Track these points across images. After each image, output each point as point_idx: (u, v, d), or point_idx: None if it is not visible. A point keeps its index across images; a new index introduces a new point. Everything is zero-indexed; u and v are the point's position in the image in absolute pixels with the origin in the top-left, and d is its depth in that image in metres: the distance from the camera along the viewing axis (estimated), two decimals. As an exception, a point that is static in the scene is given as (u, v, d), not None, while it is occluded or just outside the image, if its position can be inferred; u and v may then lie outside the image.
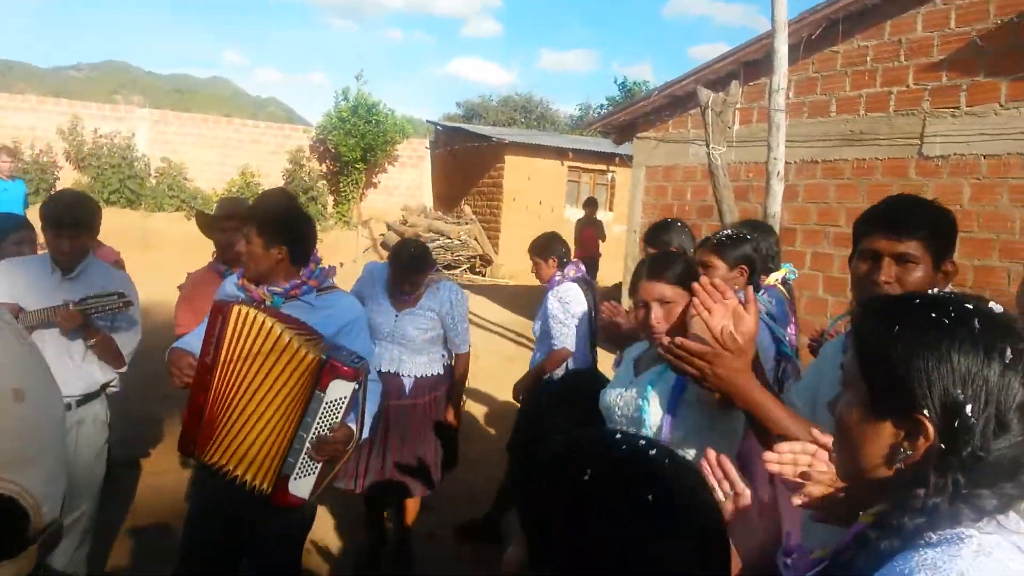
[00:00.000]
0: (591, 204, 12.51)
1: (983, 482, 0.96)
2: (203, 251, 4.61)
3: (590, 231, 11.82)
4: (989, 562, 0.92)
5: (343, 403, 2.43)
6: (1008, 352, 0.98)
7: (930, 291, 1.10)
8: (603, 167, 18.11)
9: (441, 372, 3.90)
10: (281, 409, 2.45)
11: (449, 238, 16.88)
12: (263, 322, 2.46)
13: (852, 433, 1.10)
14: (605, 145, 14.62)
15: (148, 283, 5.10)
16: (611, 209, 17.88)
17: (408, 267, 3.68)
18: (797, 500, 1.31)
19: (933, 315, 1.02)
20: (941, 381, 0.98)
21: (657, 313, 2.10)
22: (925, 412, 0.99)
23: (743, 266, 3.09)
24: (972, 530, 0.95)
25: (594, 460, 0.90)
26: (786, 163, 5.71)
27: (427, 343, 3.82)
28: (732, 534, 1.35)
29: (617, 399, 2.25)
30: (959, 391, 0.97)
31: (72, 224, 3.04)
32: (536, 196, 17.55)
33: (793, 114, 7.27)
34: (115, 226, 16.52)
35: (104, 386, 3.22)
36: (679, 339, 1.69)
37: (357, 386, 2.44)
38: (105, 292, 3.00)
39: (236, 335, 2.48)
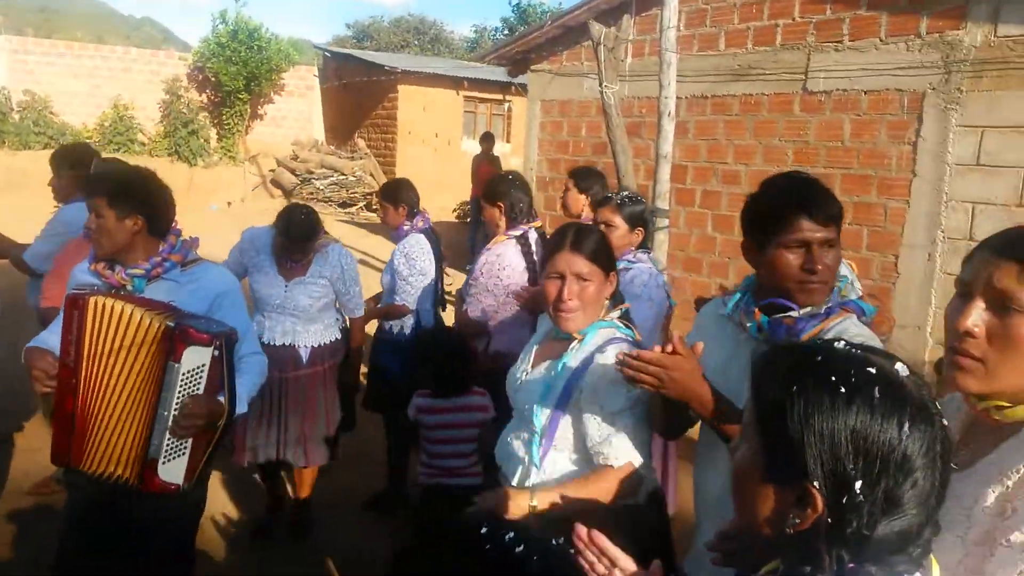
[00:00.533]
0: (488, 139, 12.32)
1: (870, 557, 0.93)
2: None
3: (487, 167, 11.66)
4: None
5: (202, 372, 2.27)
6: (906, 426, 0.93)
7: (837, 343, 1.04)
8: (499, 97, 17.83)
9: (338, 337, 3.77)
10: (138, 390, 2.29)
11: (343, 174, 16.37)
12: (122, 311, 2.27)
13: (745, 488, 1.06)
14: (501, 74, 14.34)
15: (13, 228, 4.69)
16: (508, 141, 17.70)
17: (299, 238, 3.48)
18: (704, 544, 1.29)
19: (833, 378, 0.96)
20: (833, 452, 0.93)
21: (572, 288, 2.03)
22: (815, 483, 0.94)
23: (640, 227, 3.14)
24: None
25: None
26: (677, 99, 5.69)
27: (320, 311, 3.66)
28: None
29: (516, 388, 2.20)
30: (850, 465, 0.93)
31: None
32: (432, 128, 17.16)
33: (684, 47, 7.23)
34: (-27, 168, 15.26)
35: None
36: (634, 350, 1.71)
37: (216, 352, 2.27)
38: None
39: (96, 331, 2.28)
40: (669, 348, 1.67)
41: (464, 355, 3.40)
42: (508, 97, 17.65)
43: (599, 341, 2.02)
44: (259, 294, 3.58)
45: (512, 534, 0.82)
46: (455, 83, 17.34)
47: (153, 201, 2.49)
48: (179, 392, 2.25)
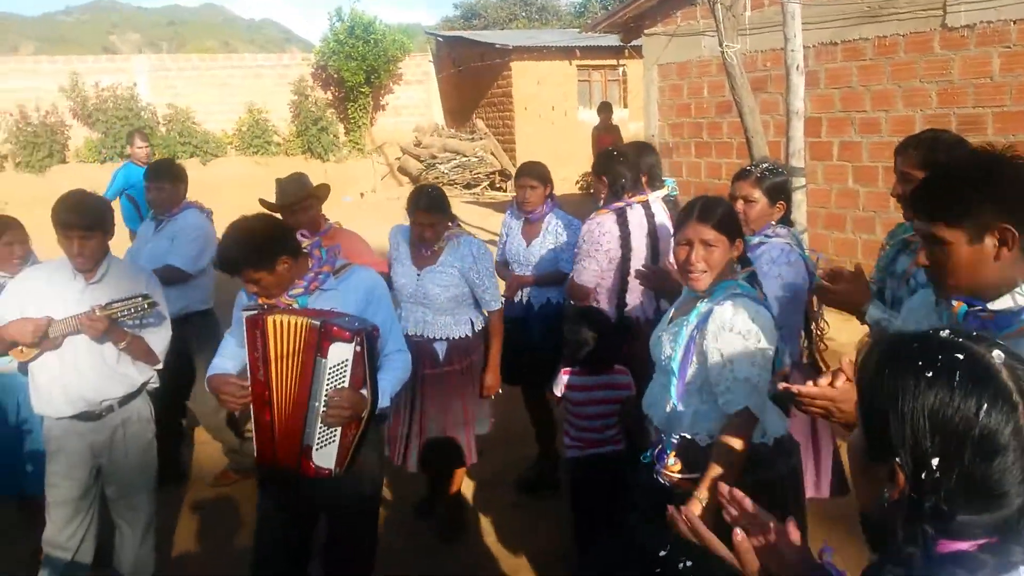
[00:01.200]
0: (606, 109, 12.19)
1: (965, 536, 0.97)
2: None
3: (607, 138, 11.54)
4: None
5: (346, 367, 2.47)
6: (985, 406, 0.97)
7: (943, 332, 1.09)
8: (613, 62, 17.55)
9: (470, 334, 3.79)
10: (299, 386, 2.52)
11: (465, 156, 16.64)
12: (294, 323, 2.49)
13: (856, 467, 1.15)
14: (612, 39, 14.11)
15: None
16: (625, 106, 17.42)
17: (428, 209, 3.58)
18: None
19: (920, 363, 1.02)
20: (913, 431, 1.00)
21: (699, 252, 2.32)
22: (898, 459, 1.01)
23: (782, 201, 3.04)
24: None
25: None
26: (804, 48, 5.44)
27: (450, 302, 3.70)
28: (762, 557, 1.33)
29: (655, 343, 2.51)
30: (927, 443, 0.98)
31: (78, 225, 2.97)
32: (548, 101, 17.13)
33: (807, -7, 6.89)
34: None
35: (144, 384, 3.26)
36: (798, 387, 1.70)
37: (358, 348, 2.46)
38: (130, 296, 3.00)
39: (276, 345, 2.52)
40: (840, 380, 1.61)
41: (612, 334, 3.50)
42: (622, 61, 17.34)
43: (721, 296, 2.31)
44: (397, 284, 3.72)
45: (689, 563, 0.86)
46: (567, 53, 17.21)
47: (285, 235, 2.65)
48: (327, 384, 2.46)
